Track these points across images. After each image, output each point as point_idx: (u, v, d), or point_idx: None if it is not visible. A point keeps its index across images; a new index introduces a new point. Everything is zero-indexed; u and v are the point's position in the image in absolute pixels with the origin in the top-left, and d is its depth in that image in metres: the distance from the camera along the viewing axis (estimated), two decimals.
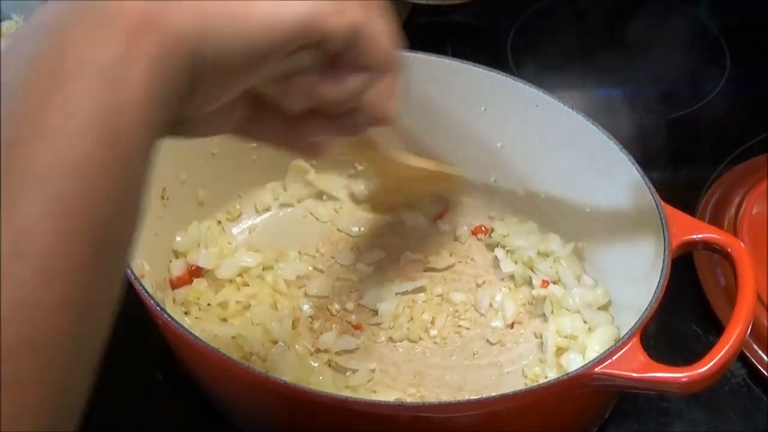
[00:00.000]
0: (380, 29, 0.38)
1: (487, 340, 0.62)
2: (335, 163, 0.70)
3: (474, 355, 0.61)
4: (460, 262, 0.67)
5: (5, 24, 0.83)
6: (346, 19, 0.34)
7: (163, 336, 0.53)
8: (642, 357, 0.46)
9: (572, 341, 0.59)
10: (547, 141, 0.63)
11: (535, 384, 0.53)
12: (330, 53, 0.36)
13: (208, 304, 0.61)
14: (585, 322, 0.60)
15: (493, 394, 0.48)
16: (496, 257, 0.66)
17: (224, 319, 0.61)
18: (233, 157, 0.66)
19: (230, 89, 0.34)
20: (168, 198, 0.61)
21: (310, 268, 0.66)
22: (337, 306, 0.63)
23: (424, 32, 0.88)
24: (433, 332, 0.62)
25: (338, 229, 0.69)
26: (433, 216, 0.69)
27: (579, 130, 0.60)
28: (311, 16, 0.33)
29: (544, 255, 0.65)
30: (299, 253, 0.66)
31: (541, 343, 0.60)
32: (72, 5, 0.29)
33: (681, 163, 0.76)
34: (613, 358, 0.46)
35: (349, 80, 0.38)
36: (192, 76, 0.31)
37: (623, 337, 0.47)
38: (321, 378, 0.57)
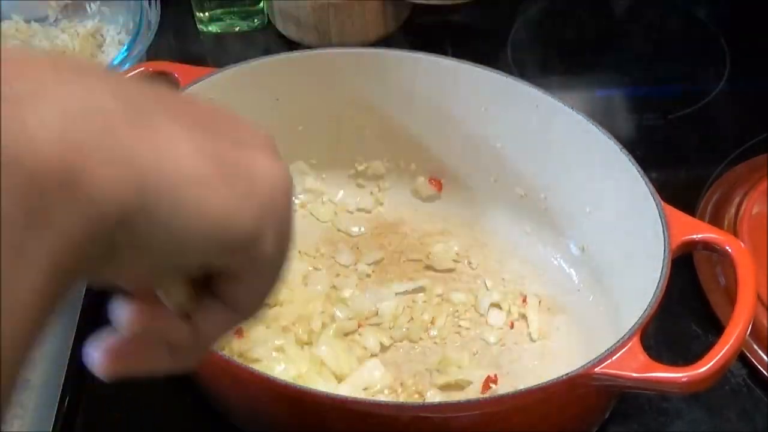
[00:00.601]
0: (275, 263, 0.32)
1: (487, 341, 0.62)
2: (336, 163, 0.70)
3: (474, 355, 0.61)
4: (460, 262, 0.67)
5: (5, 24, 0.83)
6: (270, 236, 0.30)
7: None
8: (642, 357, 0.46)
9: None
10: (547, 141, 0.63)
11: (535, 384, 0.53)
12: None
13: None
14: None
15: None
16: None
17: None
18: None
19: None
20: None
21: (310, 268, 0.66)
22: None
23: (424, 32, 0.88)
24: (433, 332, 0.62)
25: (338, 230, 0.69)
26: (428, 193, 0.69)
27: (579, 130, 0.60)
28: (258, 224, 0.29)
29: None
30: (299, 252, 0.66)
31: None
32: None
33: (681, 163, 0.76)
34: (613, 358, 0.46)
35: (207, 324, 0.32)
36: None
37: (623, 337, 0.47)
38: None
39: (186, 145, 0.27)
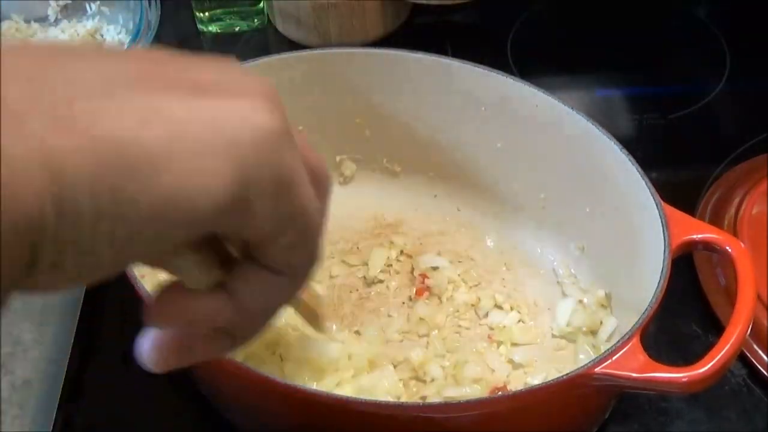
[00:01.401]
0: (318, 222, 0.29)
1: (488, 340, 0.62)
2: (335, 162, 0.70)
3: (474, 354, 0.61)
4: (460, 262, 0.67)
5: (5, 24, 0.83)
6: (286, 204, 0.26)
7: None
8: (642, 357, 0.46)
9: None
10: (546, 141, 0.63)
11: (536, 384, 0.53)
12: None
13: None
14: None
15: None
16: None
17: None
18: None
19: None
20: None
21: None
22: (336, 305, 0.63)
23: (424, 32, 0.88)
24: (434, 332, 0.62)
25: (338, 229, 0.69)
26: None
27: (579, 130, 0.60)
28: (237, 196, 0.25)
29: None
30: None
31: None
32: None
33: (681, 163, 0.76)
34: (613, 358, 0.46)
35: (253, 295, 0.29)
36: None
37: (623, 337, 0.47)
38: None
39: (139, 112, 0.23)
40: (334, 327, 0.61)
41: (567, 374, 0.47)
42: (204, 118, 0.24)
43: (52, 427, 0.56)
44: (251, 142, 0.25)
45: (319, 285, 0.64)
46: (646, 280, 0.52)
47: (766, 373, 0.60)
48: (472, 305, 0.64)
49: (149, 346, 0.30)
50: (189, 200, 0.23)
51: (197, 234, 0.25)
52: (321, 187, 0.30)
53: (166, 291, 0.29)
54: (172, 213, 0.23)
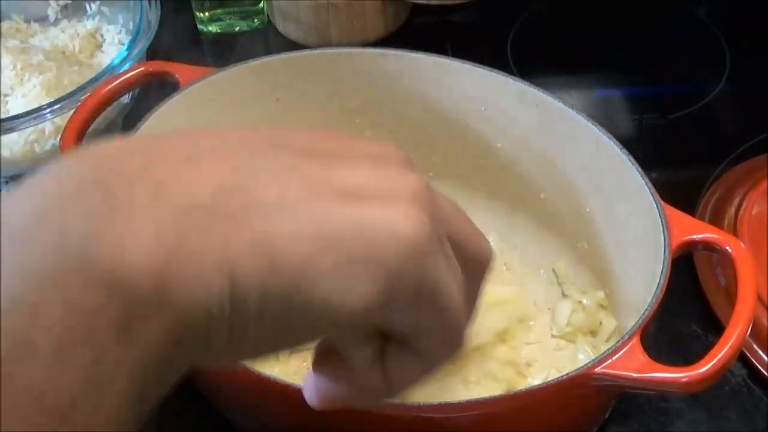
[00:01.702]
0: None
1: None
2: None
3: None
4: None
5: (5, 24, 0.83)
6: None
7: None
8: (642, 357, 0.46)
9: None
10: (547, 141, 0.63)
11: (536, 384, 0.53)
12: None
13: None
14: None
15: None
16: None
17: None
18: None
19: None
20: None
21: None
22: None
23: (424, 32, 0.88)
24: None
25: None
26: None
27: (579, 130, 0.60)
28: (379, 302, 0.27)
29: None
30: None
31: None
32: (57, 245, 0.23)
33: (681, 163, 0.75)
34: (613, 358, 0.46)
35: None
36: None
37: (623, 337, 0.47)
38: None
39: (304, 224, 0.26)
40: None
41: (567, 374, 0.47)
42: (356, 229, 0.27)
43: None
44: (396, 256, 0.27)
45: None
46: (646, 280, 0.52)
47: (766, 373, 0.60)
48: None
49: (312, 391, 0.33)
50: (340, 305, 0.26)
51: (341, 331, 0.28)
52: (475, 274, 0.32)
53: (325, 367, 0.32)
54: (325, 315, 0.26)
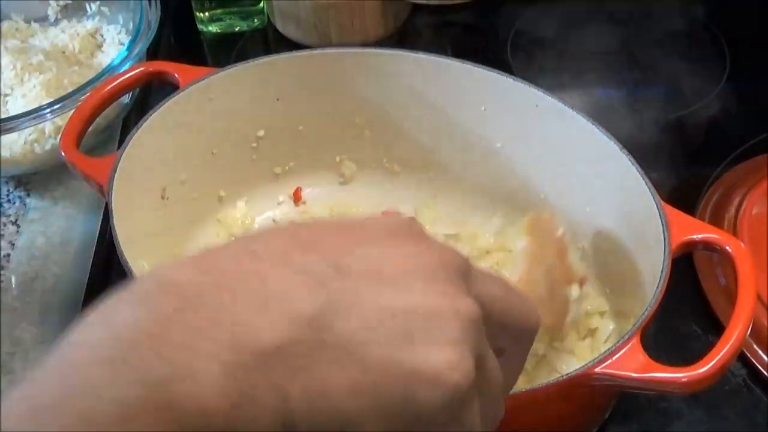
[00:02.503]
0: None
1: None
2: (335, 163, 0.70)
3: None
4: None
5: (5, 24, 0.83)
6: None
7: None
8: (642, 357, 0.46)
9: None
10: (546, 141, 0.63)
11: (535, 384, 0.53)
12: None
13: None
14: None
15: None
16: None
17: None
18: (233, 157, 0.66)
19: None
20: (168, 198, 0.61)
21: None
22: None
23: (424, 32, 0.88)
24: None
25: None
26: None
27: (579, 130, 0.60)
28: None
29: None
30: None
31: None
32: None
33: (681, 163, 0.75)
34: (613, 358, 0.46)
35: None
36: None
37: (623, 337, 0.47)
38: None
39: (347, 376, 0.27)
40: None
41: (567, 374, 0.47)
42: (401, 379, 0.28)
43: None
44: (434, 407, 0.28)
45: None
46: (646, 280, 0.52)
47: (766, 373, 0.60)
48: None
49: None
50: None
51: None
52: (522, 341, 0.34)
53: None
54: None
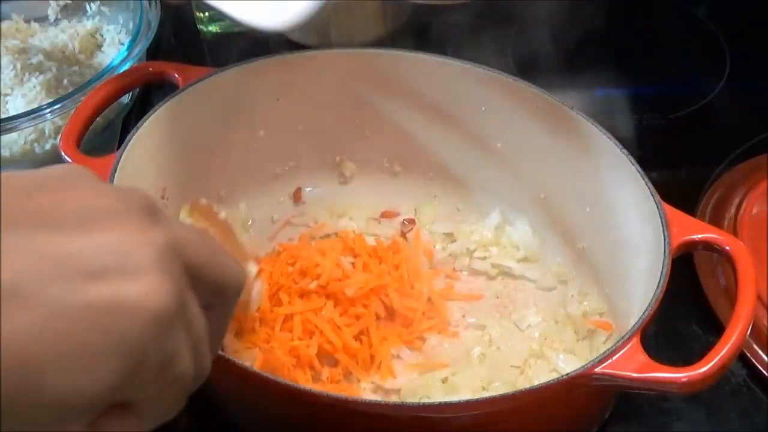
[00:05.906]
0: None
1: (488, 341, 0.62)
2: (335, 163, 0.70)
3: (473, 354, 0.61)
4: (460, 262, 0.67)
5: (5, 24, 0.83)
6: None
7: None
8: (642, 357, 0.46)
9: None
10: (547, 141, 0.63)
11: (536, 384, 0.53)
12: None
13: None
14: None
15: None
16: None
17: None
18: (233, 157, 0.66)
19: None
20: (168, 198, 0.61)
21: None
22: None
23: (424, 32, 0.88)
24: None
25: (338, 229, 0.69)
26: (402, 232, 0.68)
27: (579, 130, 0.60)
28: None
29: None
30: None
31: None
32: None
33: (681, 163, 0.76)
34: (613, 358, 0.46)
35: None
36: None
37: (623, 336, 0.47)
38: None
39: (20, 320, 0.26)
40: None
41: (567, 374, 0.47)
42: (94, 315, 0.27)
43: None
44: (139, 338, 0.28)
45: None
46: (646, 280, 0.52)
47: (766, 373, 0.60)
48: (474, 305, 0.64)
49: None
50: (76, 395, 0.27)
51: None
52: (223, 301, 0.34)
53: None
54: (60, 407, 0.27)
